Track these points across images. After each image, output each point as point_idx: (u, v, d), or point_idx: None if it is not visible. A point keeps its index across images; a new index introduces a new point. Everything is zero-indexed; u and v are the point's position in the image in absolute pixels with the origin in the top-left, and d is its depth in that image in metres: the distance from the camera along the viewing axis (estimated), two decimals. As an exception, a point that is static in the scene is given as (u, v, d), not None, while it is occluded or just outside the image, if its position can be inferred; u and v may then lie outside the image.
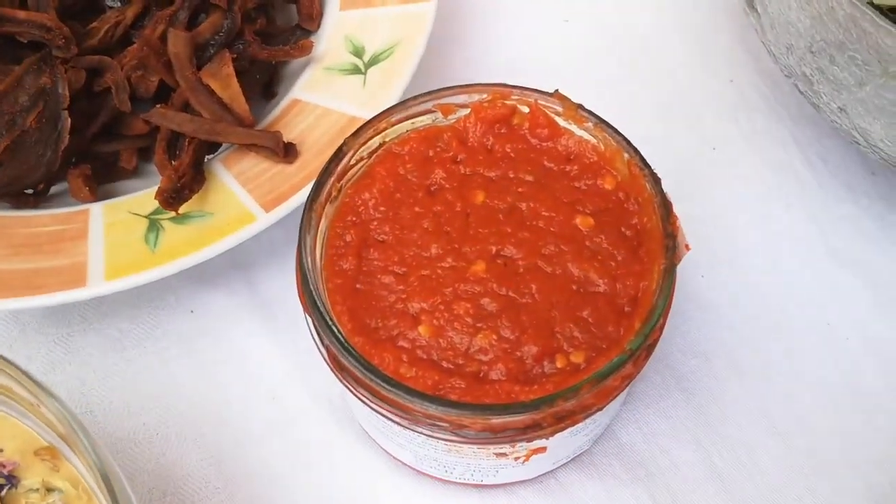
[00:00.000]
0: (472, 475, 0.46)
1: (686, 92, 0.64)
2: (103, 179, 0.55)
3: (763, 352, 0.54)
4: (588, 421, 0.42)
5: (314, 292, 0.41)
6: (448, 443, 0.42)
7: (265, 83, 0.59)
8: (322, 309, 0.41)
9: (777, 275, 0.57)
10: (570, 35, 0.67)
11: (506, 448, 0.42)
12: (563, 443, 0.45)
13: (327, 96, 0.55)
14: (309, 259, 0.42)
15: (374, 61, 0.56)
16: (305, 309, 0.42)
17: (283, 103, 0.56)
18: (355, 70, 0.56)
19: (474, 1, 0.68)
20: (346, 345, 0.40)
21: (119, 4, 0.56)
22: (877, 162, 0.53)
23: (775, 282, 0.57)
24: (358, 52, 0.57)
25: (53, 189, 0.55)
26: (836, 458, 0.51)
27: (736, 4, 0.67)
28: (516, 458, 0.44)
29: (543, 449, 0.43)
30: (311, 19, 0.59)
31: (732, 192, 0.60)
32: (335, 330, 0.40)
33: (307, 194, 0.46)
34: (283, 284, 0.55)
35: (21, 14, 0.52)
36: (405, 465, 0.49)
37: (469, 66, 0.64)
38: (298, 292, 0.42)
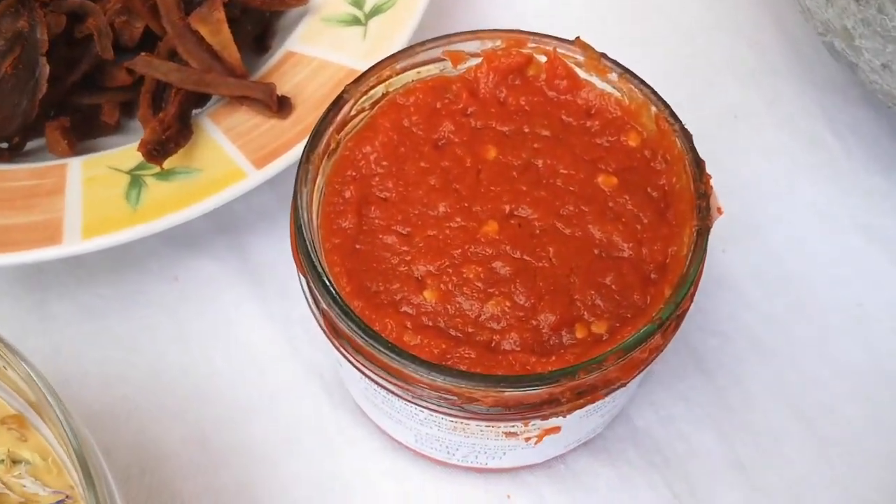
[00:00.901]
0: (477, 457, 0.43)
1: (705, 56, 0.61)
2: (83, 134, 0.51)
3: (789, 333, 0.51)
4: (608, 399, 0.39)
5: (310, 250, 0.37)
6: (455, 419, 0.38)
7: (258, 36, 0.55)
8: (319, 268, 0.37)
9: (803, 251, 0.53)
10: (583, -5, 0.63)
11: (518, 427, 0.39)
12: (579, 424, 0.41)
13: (325, 48, 0.52)
14: (305, 214, 0.38)
15: (375, 12, 0.52)
16: (300, 268, 0.38)
17: (277, 56, 0.52)
18: (355, 21, 0.52)
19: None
20: (345, 307, 0.36)
21: (102, -54, 0.52)
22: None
23: (802, 258, 0.53)
24: (358, 3, 0.53)
25: (30, 145, 0.51)
26: (866, 447, 0.47)
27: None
28: (527, 439, 0.40)
29: (558, 429, 0.40)
30: (307, -32, 0.55)
31: (756, 164, 0.57)
32: (333, 291, 0.36)
33: (302, 149, 0.43)
34: (273, 251, 0.52)
35: (-3, -47, 0.48)
36: (403, 445, 0.45)
37: (475, 22, 0.60)
38: (293, 251, 0.39)
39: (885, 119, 0.57)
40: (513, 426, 0.39)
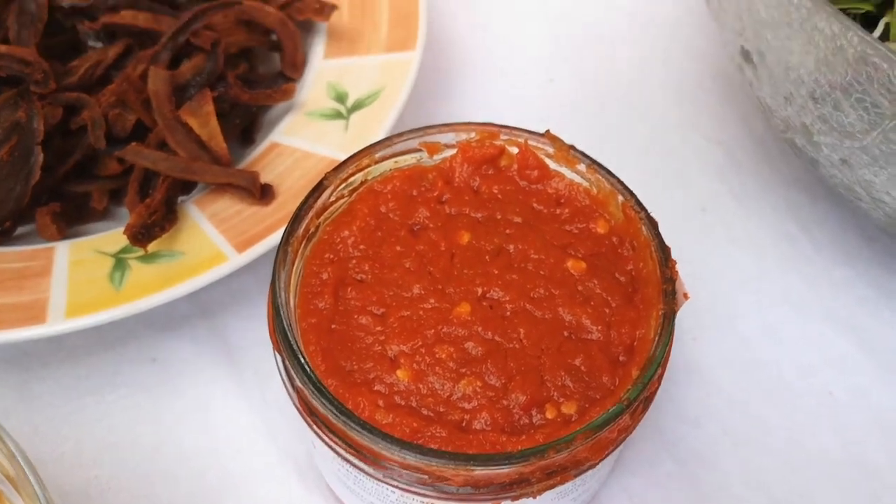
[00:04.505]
0: (450, 541, 0.42)
1: (674, 152, 0.63)
2: (73, 220, 0.52)
3: (760, 420, 0.51)
4: (578, 481, 0.39)
5: (287, 329, 0.38)
6: (426, 499, 0.38)
7: (244, 129, 0.57)
8: (294, 347, 0.38)
9: (773, 339, 0.55)
10: (556, 93, 0.66)
11: (488, 508, 0.39)
12: (550, 506, 0.41)
13: (307, 140, 0.54)
14: (283, 294, 0.39)
15: (356, 107, 0.55)
16: (276, 347, 0.39)
17: (262, 147, 0.54)
18: (337, 115, 0.55)
19: (459, 57, 0.67)
20: (319, 385, 0.37)
21: (101, 45, 0.54)
22: (878, 221, 0.52)
23: (772, 347, 0.54)
24: (341, 98, 0.56)
25: (21, 230, 0.52)
26: (841, 534, 0.47)
27: (723, 66, 0.66)
28: (498, 523, 0.40)
29: (528, 512, 0.40)
30: (294, 67, 0.58)
31: (725, 255, 0.58)
32: (307, 369, 0.37)
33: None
34: (252, 334, 0.53)
35: (1, 48, 0.51)
36: (378, 530, 0.45)
37: (451, 116, 0.62)
38: (269, 330, 0.39)
39: (849, 213, 0.59)
40: (483, 507, 0.39)
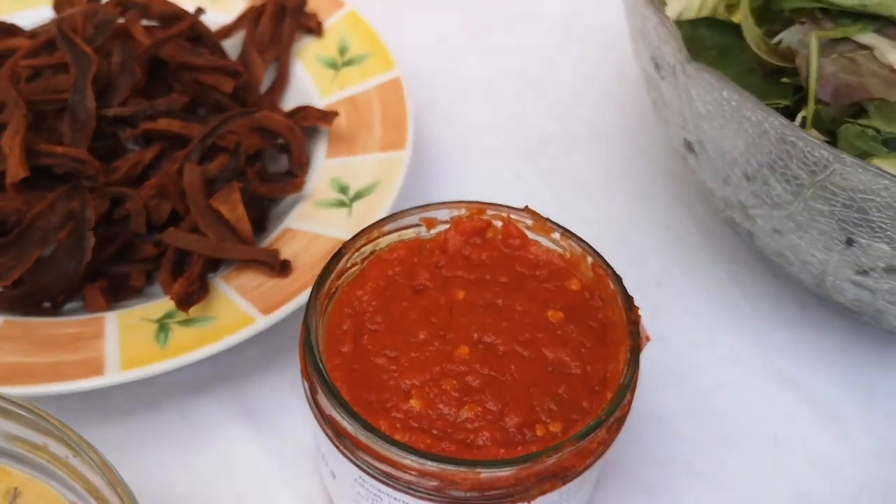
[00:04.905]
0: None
1: (630, 237, 0.72)
2: (114, 297, 0.59)
3: (717, 460, 0.59)
4: (564, 491, 0.46)
5: (319, 365, 0.46)
6: (437, 508, 0.45)
7: (258, 219, 0.65)
8: (326, 378, 0.45)
9: (725, 392, 0.63)
10: (523, 188, 0.75)
11: (492, 515, 0.45)
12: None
13: (317, 225, 0.62)
14: (313, 337, 0.47)
15: (357, 196, 0.64)
16: (308, 379, 0.46)
17: (277, 232, 0.63)
18: (341, 204, 0.63)
19: (441, 155, 0.77)
20: (349, 409, 0.44)
21: (139, 148, 0.63)
22: (808, 283, 0.60)
23: (724, 398, 0.62)
24: (343, 190, 0.64)
25: (67, 307, 0.59)
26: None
27: (668, 164, 0.77)
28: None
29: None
30: (300, 166, 0.67)
31: (679, 323, 0.67)
32: (338, 395, 0.44)
33: (300, 301, 0.54)
34: (268, 393, 0.60)
35: (59, 149, 0.59)
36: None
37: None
38: (302, 368, 0.47)
39: (785, 283, 0.69)
40: (485, 518, 0.45)
